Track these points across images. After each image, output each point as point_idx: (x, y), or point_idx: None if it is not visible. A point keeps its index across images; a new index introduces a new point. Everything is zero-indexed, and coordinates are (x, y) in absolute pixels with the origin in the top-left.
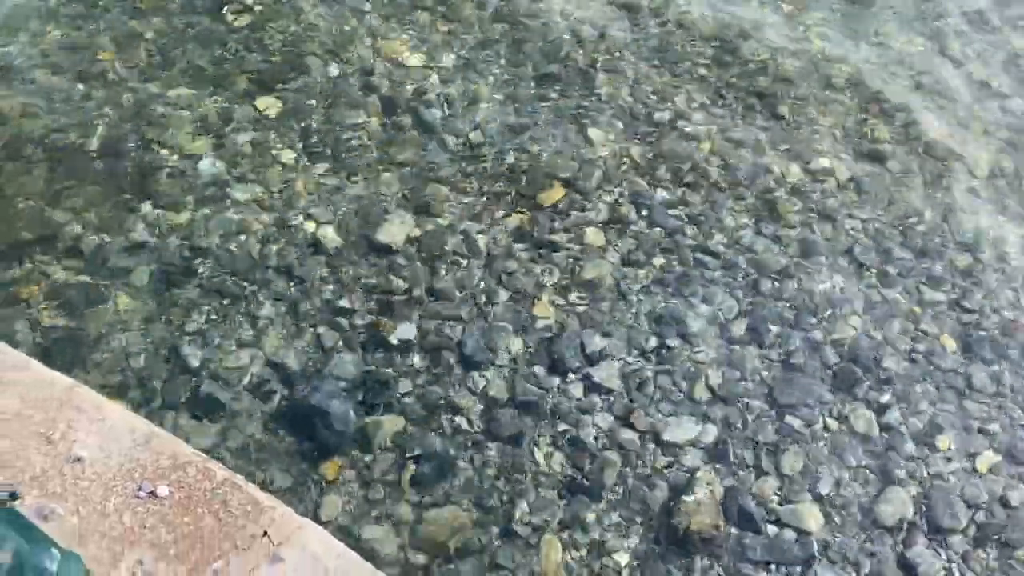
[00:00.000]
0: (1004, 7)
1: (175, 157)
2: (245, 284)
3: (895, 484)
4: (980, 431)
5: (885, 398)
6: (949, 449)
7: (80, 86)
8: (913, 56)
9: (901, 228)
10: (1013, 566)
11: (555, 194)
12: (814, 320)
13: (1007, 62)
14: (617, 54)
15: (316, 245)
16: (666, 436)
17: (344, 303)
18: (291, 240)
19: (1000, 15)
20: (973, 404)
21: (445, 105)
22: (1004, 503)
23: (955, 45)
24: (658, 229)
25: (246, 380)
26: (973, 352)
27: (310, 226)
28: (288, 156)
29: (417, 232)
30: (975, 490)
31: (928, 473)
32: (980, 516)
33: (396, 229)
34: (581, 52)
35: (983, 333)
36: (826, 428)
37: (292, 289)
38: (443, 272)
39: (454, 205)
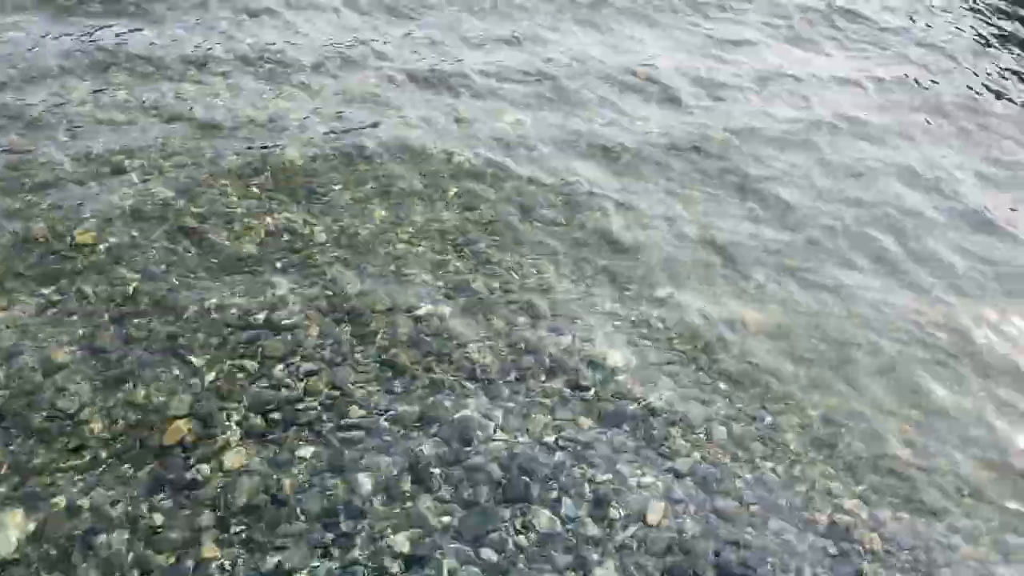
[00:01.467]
0: None
1: None
2: None
3: (595, 567)
4: (639, 486)
5: (554, 493)
6: (620, 516)
7: None
8: None
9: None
10: None
11: (178, 431)
12: (468, 448)
13: None
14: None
15: None
16: None
17: None
18: None
19: None
20: (624, 465)
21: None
22: (683, 546)
23: None
24: (294, 427)
25: None
26: (605, 422)
27: None
28: None
29: (35, 526)
30: (656, 542)
31: (615, 545)
32: (669, 561)
33: (9, 532)
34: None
35: (608, 405)
36: (516, 545)
37: None
38: (82, 562)
39: (69, 482)
